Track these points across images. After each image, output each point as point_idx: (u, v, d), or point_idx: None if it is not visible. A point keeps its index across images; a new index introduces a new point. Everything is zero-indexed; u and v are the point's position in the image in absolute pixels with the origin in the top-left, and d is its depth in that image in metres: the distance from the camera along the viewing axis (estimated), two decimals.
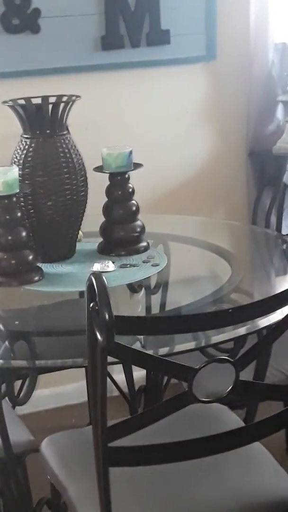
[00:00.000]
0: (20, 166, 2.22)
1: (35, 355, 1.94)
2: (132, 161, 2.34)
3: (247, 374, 1.66)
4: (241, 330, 1.83)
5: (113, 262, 2.22)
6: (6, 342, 1.93)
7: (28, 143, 2.24)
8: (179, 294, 2.21)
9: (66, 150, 2.25)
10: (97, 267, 2.19)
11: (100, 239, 2.37)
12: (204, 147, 3.32)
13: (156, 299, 2.24)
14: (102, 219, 2.37)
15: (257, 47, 3.24)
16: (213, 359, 1.56)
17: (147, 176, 2.63)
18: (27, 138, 2.25)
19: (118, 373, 2.62)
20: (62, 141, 2.25)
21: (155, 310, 2.17)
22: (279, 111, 3.33)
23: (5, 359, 1.85)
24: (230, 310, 1.60)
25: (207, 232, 2.71)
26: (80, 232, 2.36)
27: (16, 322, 2.04)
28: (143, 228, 2.35)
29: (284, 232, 2.80)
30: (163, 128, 3.21)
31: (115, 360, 1.60)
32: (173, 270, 2.31)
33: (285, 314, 1.65)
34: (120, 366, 2.55)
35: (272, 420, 1.69)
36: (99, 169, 2.35)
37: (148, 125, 3.18)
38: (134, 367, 2.50)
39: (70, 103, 2.25)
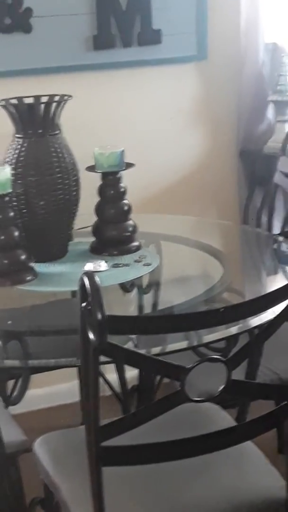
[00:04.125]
0: (13, 166, 2.22)
1: (28, 354, 1.94)
2: (124, 160, 2.34)
3: (239, 374, 1.67)
4: (233, 330, 1.83)
5: (105, 262, 2.22)
6: None
7: (20, 142, 2.25)
8: (171, 293, 2.21)
9: (59, 150, 2.25)
10: (89, 266, 2.19)
11: (93, 239, 2.38)
12: (196, 147, 3.32)
13: (148, 298, 2.24)
14: (95, 218, 2.38)
15: (247, 47, 3.25)
16: (205, 359, 1.57)
17: (139, 176, 2.63)
18: (19, 137, 2.26)
19: (110, 373, 2.62)
20: (54, 140, 2.25)
21: (147, 309, 2.18)
22: (270, 111, 3.33)
23: None
24: (222, 310, 1.60)
25: (199, 232, 2.72)
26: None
27: (9, 322, 2.04)
28: (135, 227, 2.36)
29: (275, 231, 2.81)
30: (154, 127, 3.22)
31: (108, 359, 1.60)
32: (165, 269, 2.31)
33: (276, 314, 1.65)
34: (112, 366, 2.56)
35: (264, 419, 1.70)
36: (91, 168, 2.35)
37: (139, 124, 3.18)
38: (126, 367, 2.51)
39: (62, 103, 2.25)
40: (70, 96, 2.27)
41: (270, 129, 3.32)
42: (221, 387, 1.59)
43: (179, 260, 2.43)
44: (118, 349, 1.54)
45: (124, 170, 2.34)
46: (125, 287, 2.21)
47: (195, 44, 3.21)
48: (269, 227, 2.84)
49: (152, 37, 3.11)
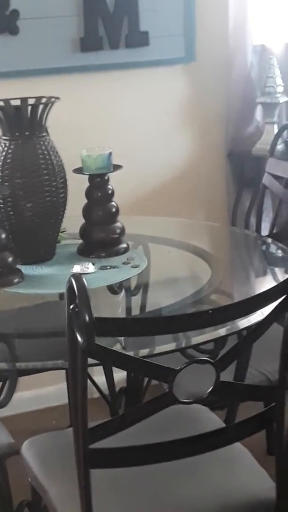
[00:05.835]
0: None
1: (15, 357, 1.93)
2: (112, 162, 2.33)
3: (227, 375, 1.66)
4: (221, 331, 1.83)
5: (93, 264, 2.22)
6: None
7: (7, 144, 2.24)
8: (159, 295, 2.21)
9: (46, 152, 2.24)
10: (77, 268, 2.18)
11: (80, 241, 2.37)
12: (184, 149, 3.32)
13: (136, 300, 2.24)
14: (82, 220, 2.37)
15: (236, 49, 3.25)
16: (193, 360, 1.56)
17: (126, 178, 2.63)
18: (6, 139, 2.25)
19: (98, 375, 2.62)
20: (42, 142, 2.25)
21: (136, 311, 2.17)
22: (258, 113, 3.34)
23: None
24: (210, 311, 1.60)
25: (187, 234, 2.72)
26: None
27: None
28: (123, 229, 2.35)
29: (263, 233, 2.81)
30: (142, 129, 3.21)
31: (96, 361, 1.59)
32: (153, 271, 2.31)
33: (265, 315, 1.65)
34: (100, 368, 2.55)
35: (253, 420, 1.70)
36: (78, 170, 2.34)
37: (127, 126, 3.17)
38: (114, 369, 2.50)
39: (49, 105, 2.24)
40: (57, 98, 2.27)
41: (259, 131, 3.32)
42: (210, 389, 1.59)
43: (167, 262, 2.43)
44: (106, 351, 1.54)
45: (111, 172, 2.34)
46: (113, 289, 2.21)
47: (183, 46, 3.21)
48: (258, 229, 2.84)
49: (139, 39, 3.11)
